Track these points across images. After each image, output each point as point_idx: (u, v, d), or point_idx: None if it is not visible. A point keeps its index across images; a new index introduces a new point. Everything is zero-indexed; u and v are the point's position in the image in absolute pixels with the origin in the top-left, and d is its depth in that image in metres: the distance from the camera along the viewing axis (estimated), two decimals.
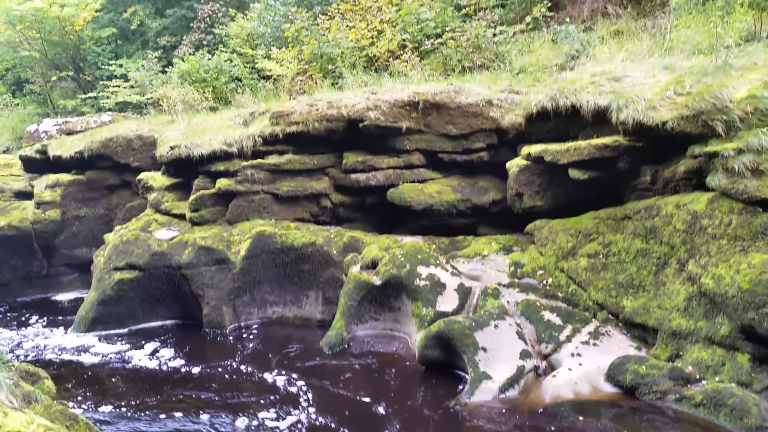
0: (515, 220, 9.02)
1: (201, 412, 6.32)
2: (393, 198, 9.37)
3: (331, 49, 12.48)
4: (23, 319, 10.45)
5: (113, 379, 7.47)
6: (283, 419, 6.09)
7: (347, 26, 13.03)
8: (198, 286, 9.07)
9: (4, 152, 16.85)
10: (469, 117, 9.52)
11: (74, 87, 19.31)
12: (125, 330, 9.18)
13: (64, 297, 11.95)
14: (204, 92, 13.69)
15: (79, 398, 6.86)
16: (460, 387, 6.47)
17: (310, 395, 6.60)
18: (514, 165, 8.79)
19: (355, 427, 5.92)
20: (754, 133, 5.82)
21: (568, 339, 6.73)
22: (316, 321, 9.07)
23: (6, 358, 5.07)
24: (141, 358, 8.07)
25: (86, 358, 8.18)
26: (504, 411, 5.92)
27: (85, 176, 12.60)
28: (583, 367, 6.33)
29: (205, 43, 17.18)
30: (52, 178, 12.66)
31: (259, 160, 9.78)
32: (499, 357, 6.45)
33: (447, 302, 7.58)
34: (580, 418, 5.70)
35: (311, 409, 6.29)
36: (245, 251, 9.07)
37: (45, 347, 8.77)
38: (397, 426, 5.88)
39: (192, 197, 9.93)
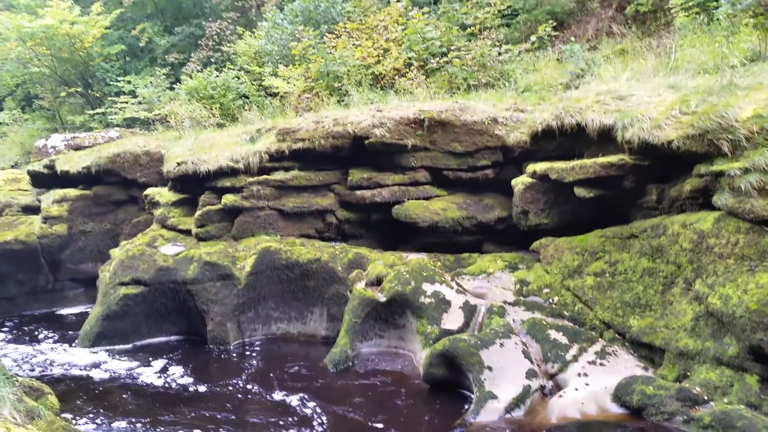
0: (520, 238, 9.01)
1: None
2: (398, 215, 9.38)
3: (337, 67, 12.59)
4: (28, 333, 10.45)
5: (117, 395, 7.44)
6: None
7: (354, 44, 13.14)
8: (203, 301, 9.06)
9: (12, 167, 16.99)
10: (475, 135, 9.55)
11: (83, 103, 19.50)
12: (129, 345, 9.17)
13: (69, 311, 11.98)
14: (211, 109, 13.81)
15: (84, 414, 6.82)
16: (466, 407, 6.42)
17: (315, 416, 6.54)
18: (519, 182, 8.80)
19: None
20: (760, 152, 5.81)
21: (575, 358, 6.68)
22: (321, 338, 9.04)
23: (10, 372, 5.06)
24: (146, 374, 8.04)
25: (90, 374, 8.16)
26: (510, 431, 5.86)
27: (92, 191, 12.67)
28: (590, 387, 6.27)
29: (213, 60, 17.36)
30: (59, 193, 12.73)
31: (265, 177, 9.82)
32: (504, 376, 6.40)
33: (452, 320, 7.55)
34: None
35: (319, 430, 6.24)
36: (250, 267, 9.08)
37: (49, 362, 8.76)
38: None
39: (198, 213, 9.96)
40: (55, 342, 9.81)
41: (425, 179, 9.76)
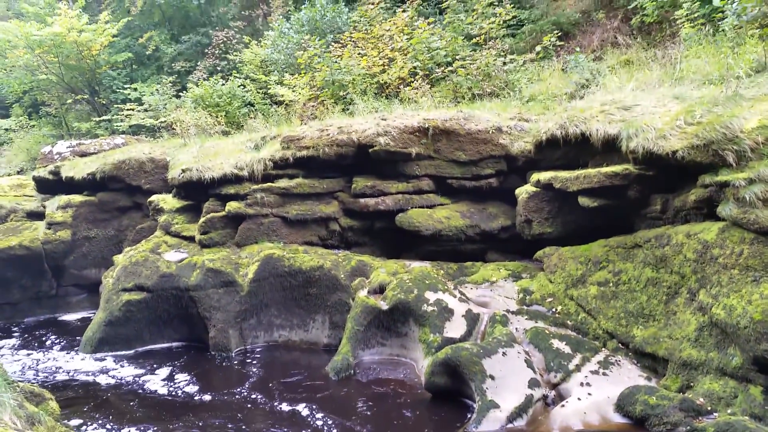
0: (524, 247, 8.99)
1: None
2: (402, 223, 9.38)
3: (342, 76, 12.64)
4: (31, 338, 10.46)
5: (119, 402, 7.43)
6: None
7: (359, 54, 13.21)
8: (205, 308, 9.06)
9: (18, 173, 17.07)
10: (479, 143, 9.56)
11: (89, 110, 19.63)
12: (132, 351, 9.16)
13: (72, 317, 11.99)
14: (217, 117, 13.87)
15: (87, 420, 6.81)
16: (468, 416, 6.38)
17: (319, 425, 6.50)
18: (523, 191, 8.79)
19: None
20: (765, 163, 5.80)
21: (578, 368, 6.63)
22: (323, 345, 9.01)
23: (11, 378, 5.06)
24: (149, 381, 8.03)
25: (92, 379, 8.16)
26: None
27: (96, 198, 12.71)
28: (593, 396, 6.23)
29: (219, 68, 17.47)
30: (64, 199, 12.78)
31: (269, 184, 9.84)
32: (507, 385, 6.36)
33: (455, 328, 7.52)
34: None
35: None
36: (253, 274, 9.08)
37: (51, 367, 8.76)
38: None
39: (202, 220, 9.98)
40: (57, 347, 9.81)
41: (429, 188, 9.76)
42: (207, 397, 7.43)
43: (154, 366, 8.52)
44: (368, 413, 6.76)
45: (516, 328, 7.39)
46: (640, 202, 7.33)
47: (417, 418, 6.61)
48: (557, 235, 8.40)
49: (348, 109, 12.00)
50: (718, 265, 5.96)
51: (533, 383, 6.43)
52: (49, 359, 9.16)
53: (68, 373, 8.49)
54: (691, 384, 5.95)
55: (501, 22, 12.89)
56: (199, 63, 18.31)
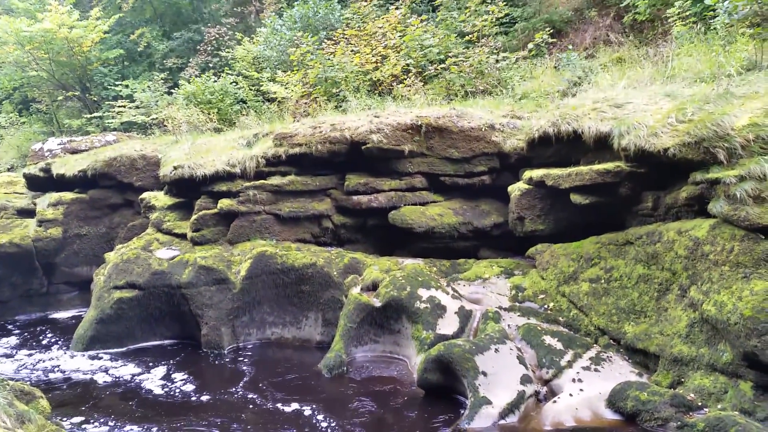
0: (516, 244, 9.01)
1: None
2: (394, 220, 9.38)
3: (335, 73, 12.61)
4: (22, 336, 10.40)
5: (110, 399, 7.41)
6: None
7: (352, 51, 13.18)
8: (197, 305, 9.03)
9: (8, 170, 16.93)
10: (471, 141, 9.57)
11: (80, 107, 19.49)
12: (123, 349, 9.13)
13: (63, 315, 11.92)
14: (209, 114, 13.81)
15: (75, 417, 6.78)
16: (461, 412, 6.39)
17: (312, 423, 6.50)
18: (515, 189, 8.81)
19: None
20: (755, 160, 5.83)
21: (569, 364, 6.67)
22: (315, 342, 9.00)
23: (1, 376, 5.03)
24: (140, 379, 8.00)
25: (83, 377, 8.12)
26: None
27: (87, 195, 12.65)
28: (584, 392, 6.26)
29: (211, 65, 17.39)
30: (54, 196, 12.71)
31: (262, 181, 9.81)
32: (499, 382, 6.38)
33: (447, 325, 7.54)
34: None
35: None
36: (245, 271, 9.05)
37: (42, 366, 8.71)
38: None
39: (194, 217, 9.94)
40: (48, 345, 9.75)
41: (422, 185, 9.76)
42: (199, 395, 7.41)
43: (146, 364, 8.49)
44: (361, 410, 6.76)
45: (508, 325, 7.41)
46: (631, 200, 7.36)
47: (409, 414, 6.62)
48: (549, 232, 8.42)
49: (341, 107, 11.98)
50: (709, 261, 5.99)
51: (525, 379, 6.46)
52: (40, 357, 9.11)
53: (59, 371, 8.44)
54: (682, 380, 5.99)
55: (494, 20, 12.89)
56: (191, 60, 18.21)
